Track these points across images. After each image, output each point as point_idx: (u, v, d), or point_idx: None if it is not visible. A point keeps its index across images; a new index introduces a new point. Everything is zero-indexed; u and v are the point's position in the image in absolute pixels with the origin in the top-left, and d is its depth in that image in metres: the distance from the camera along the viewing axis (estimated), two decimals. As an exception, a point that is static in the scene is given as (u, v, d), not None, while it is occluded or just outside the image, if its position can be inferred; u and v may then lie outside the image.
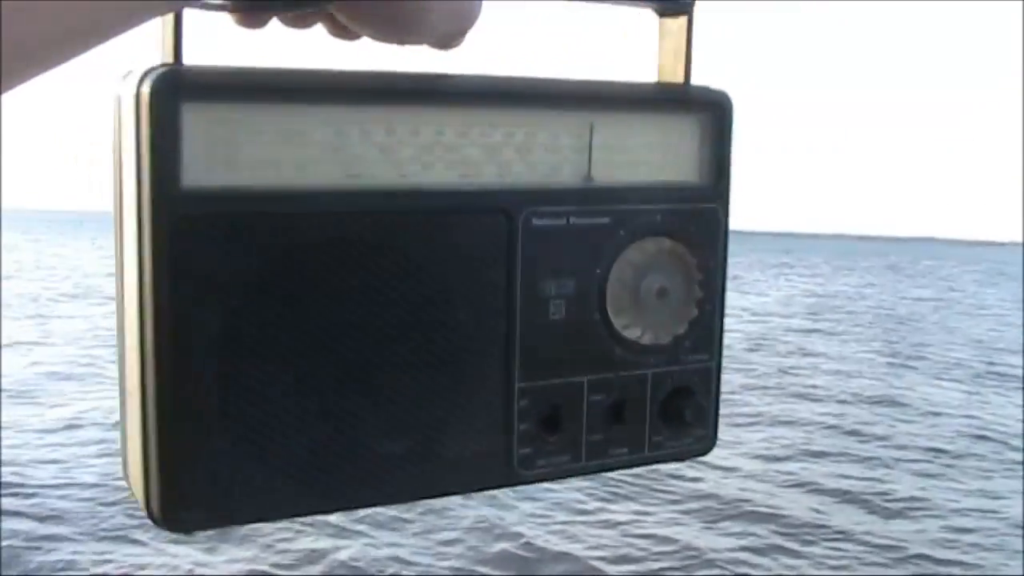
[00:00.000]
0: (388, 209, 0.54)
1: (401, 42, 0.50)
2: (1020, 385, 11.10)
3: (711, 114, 0.63)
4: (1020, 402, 10.00)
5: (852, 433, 8.52)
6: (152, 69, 0.49)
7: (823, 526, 6.06)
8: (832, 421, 8.90)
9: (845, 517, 6.29)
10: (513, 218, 0.57)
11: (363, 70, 0.52)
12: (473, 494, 0.61)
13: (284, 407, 0.52)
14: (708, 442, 0.65)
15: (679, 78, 0.62)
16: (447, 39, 0.51)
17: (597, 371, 0.60)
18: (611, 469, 0.63)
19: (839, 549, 5.71)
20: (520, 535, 5.73)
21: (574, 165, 0.59)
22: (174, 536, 0.53)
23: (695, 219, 0.62)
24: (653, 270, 0.61)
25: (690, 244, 0.62)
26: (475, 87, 0.56)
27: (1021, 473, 7.19)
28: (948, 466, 7.64)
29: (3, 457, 6.66)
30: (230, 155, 0.51)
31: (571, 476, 0.61)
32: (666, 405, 0.63)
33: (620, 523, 6.01)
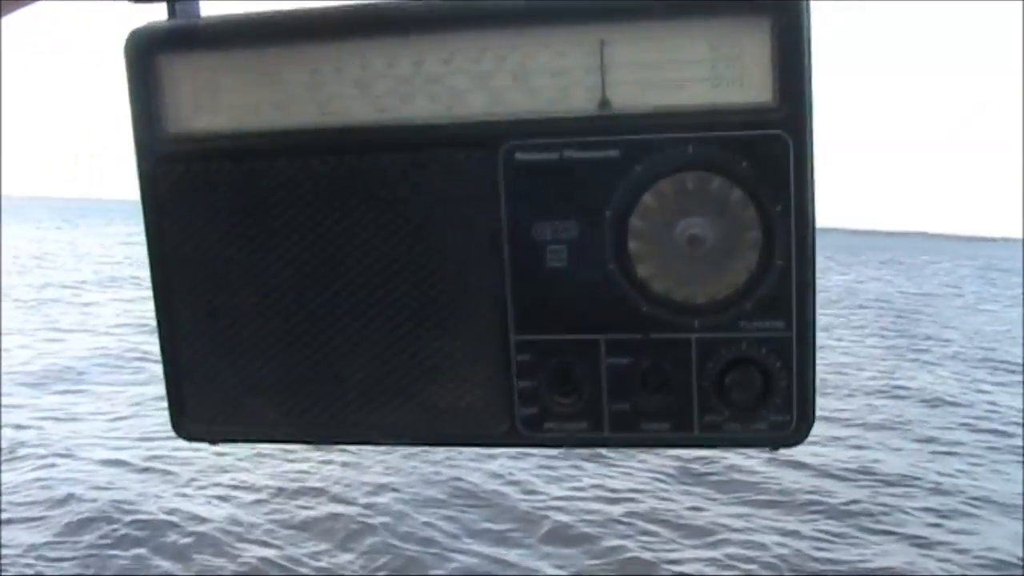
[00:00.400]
0: (363, 146, 0.52)
1: None
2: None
3: (773, 16, 0.48)
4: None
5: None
6: (138, 27, 0.54)
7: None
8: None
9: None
10: (492, 153, 0.51)
11: (335, 4, 0.51)
12: (473, 448, 0.56)
13: (269, 338, 0.54)
14: (790, 430, 0.52)
15: None
16: None
17: (617, 330, 0.52)
18: (647, 446, 0.53)
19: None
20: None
21: (586, 90, 0.51)
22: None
23: (750, 150, 0.49)
24: (687, 213, 0.49)
25: (742, 182, 0.49)
26: (457, 10, 0.51)
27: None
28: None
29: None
30: (212, 100, 0.54)
31: (592, 446, 0.54)
32: (722, 379, 0.51)
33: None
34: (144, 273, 0.56)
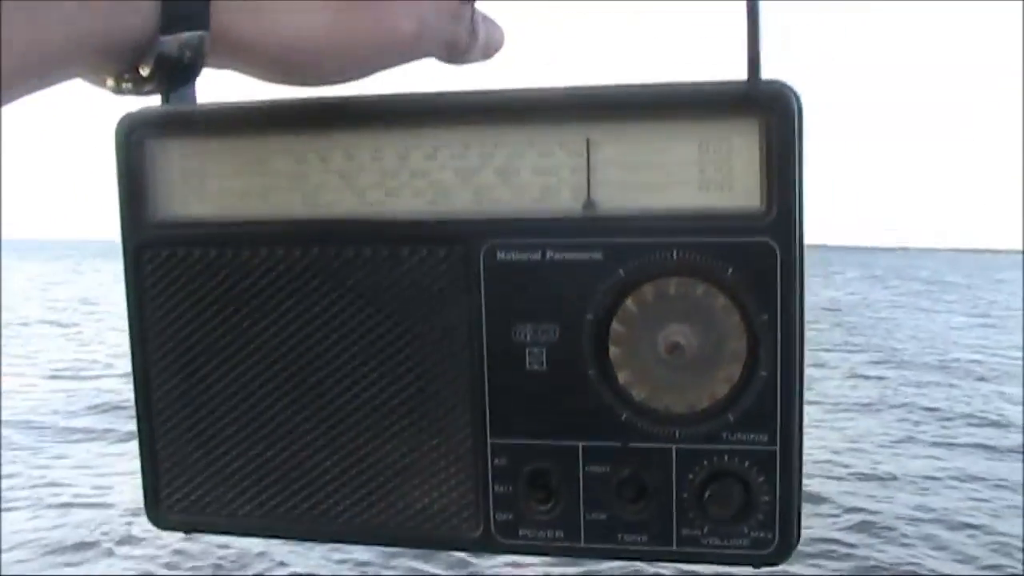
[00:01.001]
0: (344, 238, 0.52)
1: (308, 84, 0.49)
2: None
3: (763, 118, 0.47)
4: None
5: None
6: (129, 112, 0.54)
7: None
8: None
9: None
10: (474, 251, 0.50)
11: (322, 96, 0.51)
12: (444, 552, 0.54)
13: (245, 431, 0.53)
14: (771, 548, 0.49)
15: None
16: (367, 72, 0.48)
17: (596, 437, 0.50)
18: (624, 558, 0.51)
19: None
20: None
21: (572, 189, 0.50)
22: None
23: (736, 257, 0.47)
24: (669, 320, 0.48)
25: (727, 289, 0.47)
26: (443, 104, 0.51)
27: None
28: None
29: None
30: (199, 187, 0.54)
31: (567, 556, 0.51)
32: (702, 493, 0.49)
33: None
34: None
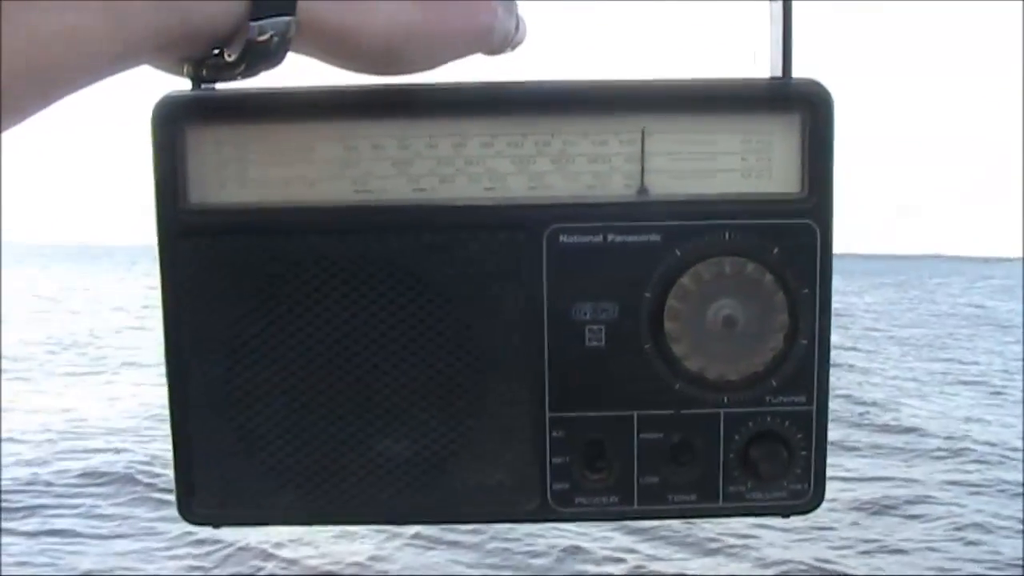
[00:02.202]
0: (399, 225, 0.52)
1: (384, 73, 0.49)
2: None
3: (802, 113, 0.53)
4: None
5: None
6: (167, 95, 0.51)
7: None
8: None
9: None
10: (536, 235, 0.52)
11: (373, 84, 0.51)
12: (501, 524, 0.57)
13: (289, 416, 0.53)
14: (807, 498, 0.55)
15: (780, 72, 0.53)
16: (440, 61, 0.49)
17: (650, 406, 0.54)
18: (674, 517, 0.55)
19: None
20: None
21: (625, 176, 0.53)
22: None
23: (781, 237, 0.53)
24: (720, 296, 0.52)
25: (773, 267, 0.52)
26: (499, 94, 0.52)
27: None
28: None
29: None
30: (239, 174, 0.52)
31: (621, 519, 0.55)
32: (747, 452, 0.54)
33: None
34: None
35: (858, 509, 5.70)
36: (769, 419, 0.54)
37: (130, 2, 0.40)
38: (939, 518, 5.64)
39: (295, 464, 0.53)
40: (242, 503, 0.54)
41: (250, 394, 0.53)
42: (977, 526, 5.49)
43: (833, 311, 0.54)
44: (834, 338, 0.54)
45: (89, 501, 5.77)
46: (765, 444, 0.54)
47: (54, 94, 0.40)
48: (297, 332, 0.52)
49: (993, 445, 7.29)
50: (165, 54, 0.44)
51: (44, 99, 0.40)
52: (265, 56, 0.45)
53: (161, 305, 0.52)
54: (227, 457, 0.53)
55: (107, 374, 10.49)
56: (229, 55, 0.44)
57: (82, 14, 0.39)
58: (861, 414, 8.32)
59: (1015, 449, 7.10)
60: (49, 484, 6.03)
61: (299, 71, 0.52)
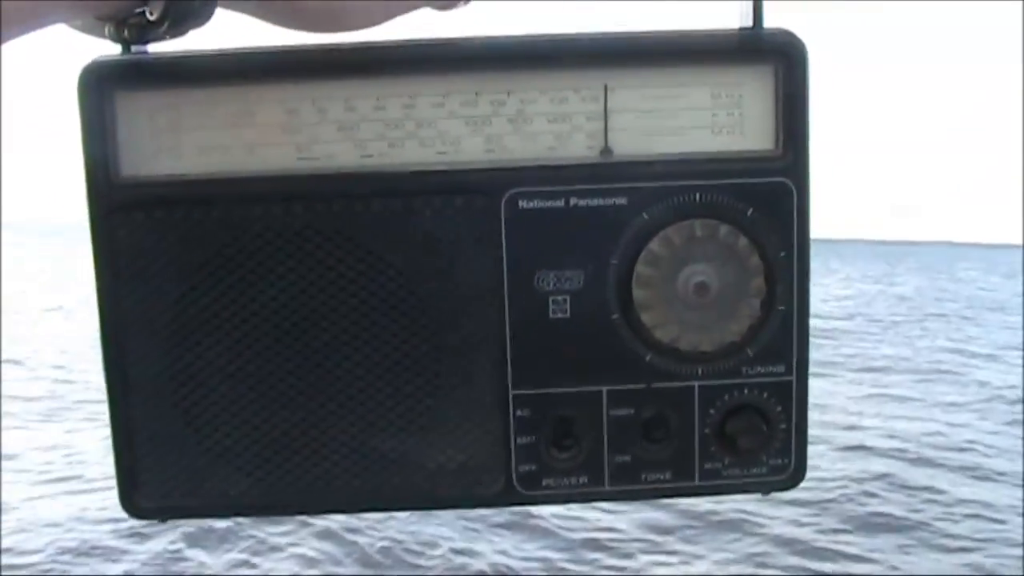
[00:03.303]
0: (345, 193, 0.49)
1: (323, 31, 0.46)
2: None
3: (775, 64, 0.49)
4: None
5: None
6: (94, 60, 0.48)
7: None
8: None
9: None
10: (494, 201, 0.49)
11: (315, 43, 0.47)
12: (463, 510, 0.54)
13: (236, 400, 0.50)
14: (788, 473, 0.52)
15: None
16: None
17: (620, 380, 0.51)
18: (648, 497, 0.52)
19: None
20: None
21: (587, 136, 0.50)
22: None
23: (755, 197, 0.49)
24: (691, 261, 0.49)
25: (747, 229, 0.49)
26: (449, 50, 0.49)
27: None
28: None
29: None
30: (174, 143, 0.49)
31: (592, 500, 0.52)
32: (723, 426, 0.51)
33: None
34: None
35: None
36: (746, 391, 0.51)
37: None
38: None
39: (245, 450, 0.50)
40: (190, 494, 0.51)
41: (194, 377, 0.49)
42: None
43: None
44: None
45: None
46: (743, 417, 0.51)
47: None
48: (241, 310, 0.49)
49: None
50: (81, 11, 0.41)
51: None
52: (190, 13, 0.41)
53: (96, 285, 0.49)
54: (172, 445, 0.50)
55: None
56: (151, 12, 0.41)
57: None
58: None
59: None
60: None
61: (238, 32, 0.49)
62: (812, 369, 0.52)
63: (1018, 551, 4.66)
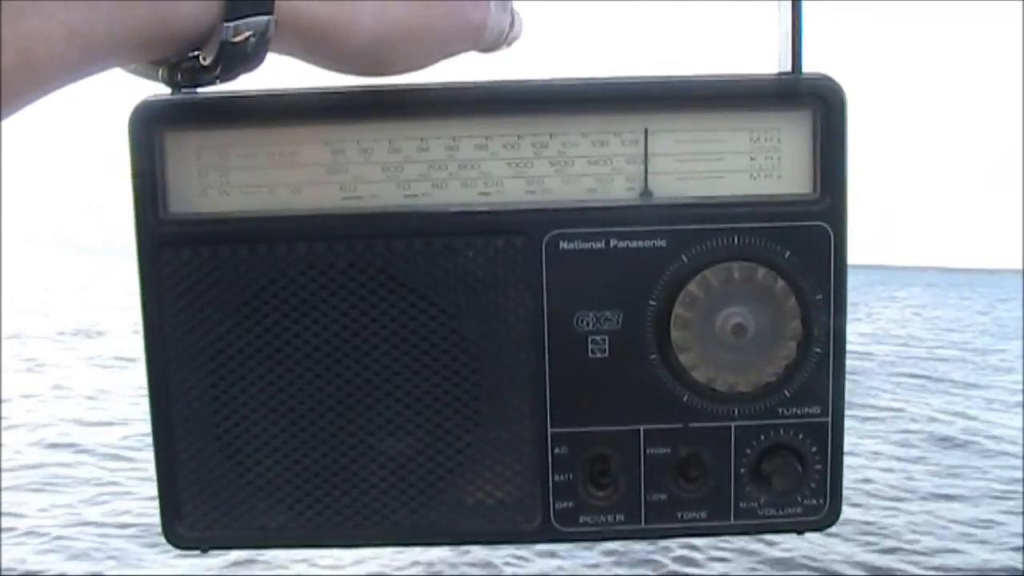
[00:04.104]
0: (389, 233, 0.49)
1: (369, 74, 0.47)
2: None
3: (813, 109, 0.50)
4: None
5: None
6: (144, 100, 0.49)
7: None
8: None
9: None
10: (535, 241, 0.50)
11: (360, 85, 0.48)
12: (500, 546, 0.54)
13: (278, 434, 0.50)
14: (823, 514, 0.52)
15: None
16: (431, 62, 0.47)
17: (657, 420, 0.51)
18: (683, 535, 0.53)
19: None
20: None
21: (627, 178, 0.50)
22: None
23: (793, 240, 0.50)
24: (729, 303, 0.49)
25: (785, 272, 0.50)
26: (493, 93, 0.50)
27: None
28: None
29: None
30: (221, 181, 0.50)
31: (628, 539, 0.53)
32: (759, 466, 0.52)
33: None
34: None
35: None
36: (782, 432, 0.51)
37: (95, 1, 0.38)
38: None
39: (286, 484, 0.51)
40: (231, 525, 0.51)
41: (236, 411, 0.50)
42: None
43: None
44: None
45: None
46: (778, 458, 0.51)
47: (15, 102, 0.38)
48: (285, 345, 0.50)
49: None
50: (136, 56, 0.42)
51: (4, 107, 0.37)
52: (242, 58, 0.42)
53: (142, 318, 0.49)
54: (214, 477, 0.51)
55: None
56: (204, 58, 0.42)
57: (44, 16, 0.36)
58: None
59: None
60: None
61: (285, 74, 0.50)
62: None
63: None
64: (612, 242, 0.50)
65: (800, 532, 0.53)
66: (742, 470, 0.52)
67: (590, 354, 0.50)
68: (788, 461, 0.51)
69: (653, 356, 0.50)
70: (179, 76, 0.43)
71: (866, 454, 5.65)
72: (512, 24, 0.51)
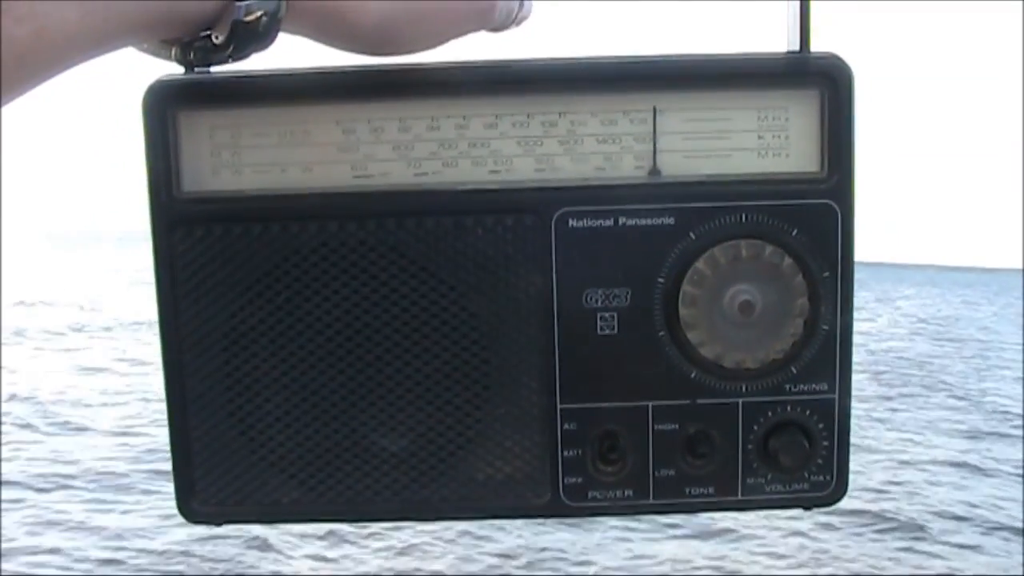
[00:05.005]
0: (400, 211, 0.50)
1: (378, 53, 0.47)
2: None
3: (821, 88, 0.50)
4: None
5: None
6: (158, 80, 0.49)
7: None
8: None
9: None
10: (544, 219, 0.50)
11: (371, 65, 0.49)
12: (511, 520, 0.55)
13: (291, 410, 0.51)
14: (830, 490, 0.53)
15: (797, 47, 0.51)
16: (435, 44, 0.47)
17: (666, 396, 0.51)
18: (691, 511, 0.53)
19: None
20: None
21: (636, 157, 0.51)
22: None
23: (800, 218, 0.50)
24: (737, 280, 0.50)
25: (792, 249, 0.50)
26: (503, 73, 0.50)
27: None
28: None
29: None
30: (234, 160, 0.50)
31: (636, 513, 0.53)
32: (766, 442, 0.52)
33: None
34: None
35: None
36: (789, 408, 0.52)
37: None
38: None
39: (298, 459, 0.52)
40: (244, 500, 0.52)
41: (250, 388, 0.51)
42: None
43: None
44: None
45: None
46: (785, 434, 0.52)
47: (30, 81, 0.38)
48: (297, 323, 0.50)
49: None
50: (148, 35, 0.42)
51: (19, 84, 0.38)
52: (254, 37, 0.43)
53: (156, 297, 0.50)
54: (228, 453, 0.52)
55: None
56: (216, 37, 0.42)
57: None
58: None
59: None
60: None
61: (297, 53, 0.50)
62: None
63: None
64: (621, 220, 0.50)
65: (807, 508, 0.54)
66: (749, 446, 0.52)
67: (599, 331, 0.51)
68: (795, 437, 0.52)
69: (661, 333, 0.51)
70: (191, 56, 0.44)
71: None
72: (521, 4, 0.52)
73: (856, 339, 0.52)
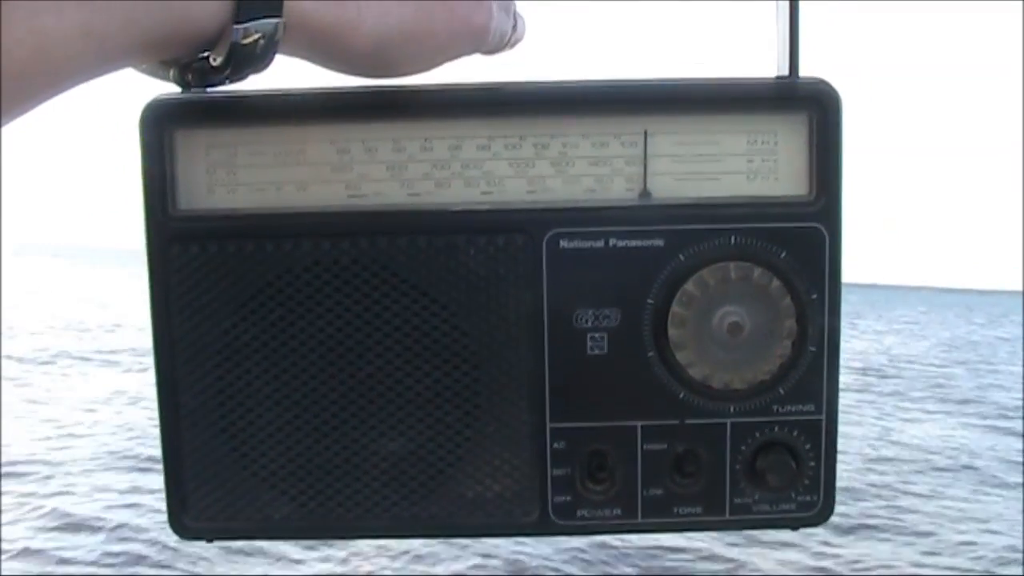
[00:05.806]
0: (393, 230, 0.50)
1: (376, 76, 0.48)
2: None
3: (809, 112, 0.51)
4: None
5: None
6: (155, 98, 0.50)
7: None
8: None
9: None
10: (535, 240, 0.51)
11: (366, 86, 0.49)
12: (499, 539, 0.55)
13: (282, 427, 0.51)
14: (816, 509, 0.53)
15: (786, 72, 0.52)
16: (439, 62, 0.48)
17: (654, 416, 0.52)
18: (679, 530, 0.54)
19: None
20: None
21: (627, 179, 0.51)
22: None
23: (788, 241, 0.51)
24: (726, 302, 0.50)
25: (780, 271, 0.50)
26: (497, 96, 0.51)
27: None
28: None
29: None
30: (229, 178, 0.51)
31: (624, 532, 0.54)
32: (754, 462, 0.53)
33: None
34: None
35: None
36: (776, 429, 0.52)
37: (108, 2, 0.39)
38: None
39: (289, 475, 0.52)
40: (236, 516, 0.53)
41: (243, 404, 0.51)
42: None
43: None
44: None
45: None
46: (773, 454, 0.52)
47: (30, 100, 0.39)
48: (290, 340, 0.51)
49: None
50: (147, 56, 0.43)
51: (20, 103, 0.38)
52: (251, 59, 0.43)
53: (150, 312, 0.51)
54: (220, 469, 0.52)
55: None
56: (215, 59, 0.43)
57: (60, 15, 0.38)
58: None
59: None
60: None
61: (291, 74, 0.51)
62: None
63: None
64: (611, 241, 0.51)
65: (794, 528, 0.54)
66: (737, 466, 0.53)
67: (589, 351, 0.51)
68: (782, 458, 0.52)
69: (651, 353, 0.51)
70: (189, 76, 0.44)
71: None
72: (515, 27, 0.52)
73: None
